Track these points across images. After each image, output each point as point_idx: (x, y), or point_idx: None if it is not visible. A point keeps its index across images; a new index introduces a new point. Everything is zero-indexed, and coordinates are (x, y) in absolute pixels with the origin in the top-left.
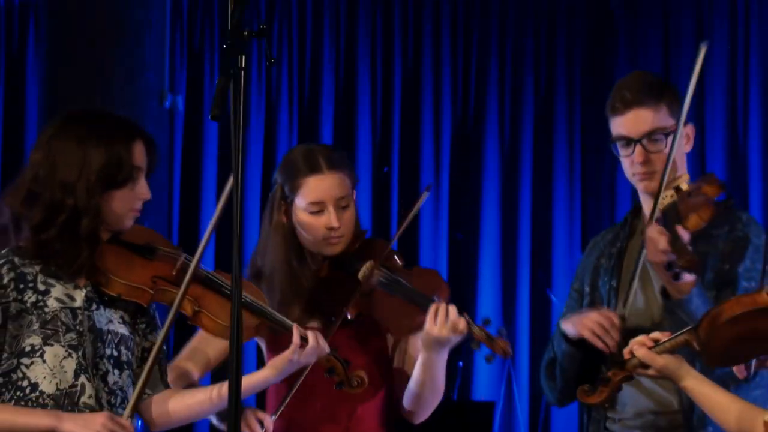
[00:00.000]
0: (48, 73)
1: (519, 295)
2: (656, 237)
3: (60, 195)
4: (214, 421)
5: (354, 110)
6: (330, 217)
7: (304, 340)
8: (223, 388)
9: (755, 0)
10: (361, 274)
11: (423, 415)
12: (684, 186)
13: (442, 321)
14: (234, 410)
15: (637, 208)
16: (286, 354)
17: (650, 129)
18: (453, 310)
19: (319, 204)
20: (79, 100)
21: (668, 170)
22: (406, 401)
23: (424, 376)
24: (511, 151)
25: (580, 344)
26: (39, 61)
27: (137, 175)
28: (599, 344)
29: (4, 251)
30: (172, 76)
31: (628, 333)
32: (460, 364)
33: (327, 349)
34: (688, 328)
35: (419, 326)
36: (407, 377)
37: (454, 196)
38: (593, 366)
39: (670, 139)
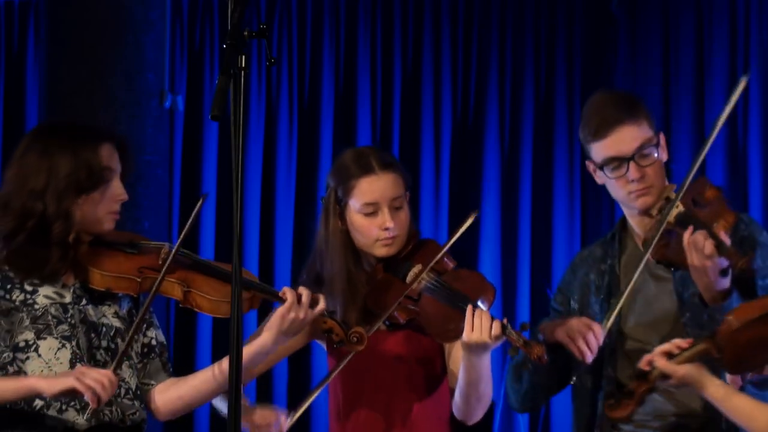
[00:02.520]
0: (48, 73)
1: (519, 295)
2: (702, 242)
3: (30, 202)
4: (218, 404)
5: (354, 110)
6: (384, 218)
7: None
8: (223, 364)
9: (755, 0)
10: (409, 278)
11: (472, 418)
12: (671, 195)
13: (477, 326)
14: (234, 407)
15: (624, 223)
16: (279, 310)
17: (639, 144)
18: (486, 314)
19: (373, 205)
20: (79, 100)
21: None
22: (455, 405)
23: (467, 380)
24: (511, 151)
25: (555, 350)
26: (39, 61)
27: (109, 177)
28: (575, 350)
29: None
30: (172, 76)
31: (635, 349)
32: None
33: (322, 305)
34: (706, 335)
35: (462, 332)
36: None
37: (454, 196)
38: (563, 373)
39: (659, 150)
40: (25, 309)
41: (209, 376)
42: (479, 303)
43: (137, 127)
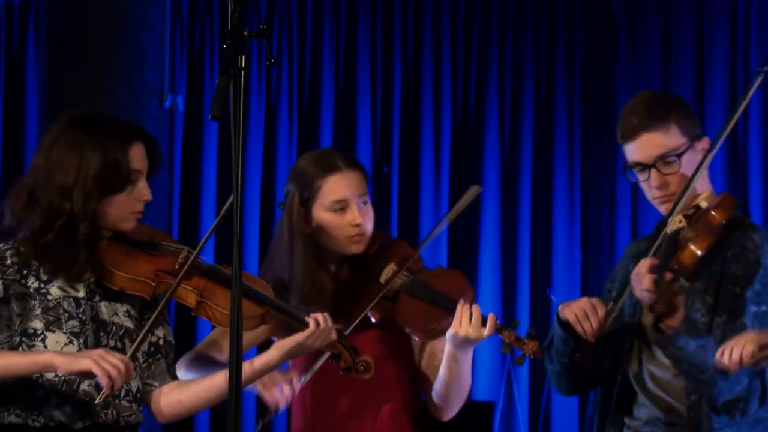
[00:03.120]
0: (48, 73)
1: (519, 295)
2: (642, 274)
3: (58, 200)
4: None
5: (354, 110)
6: (354, 214)
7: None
8: (226, 372)
9: (755, 0)
10: (383, 277)
11: (449, 413)
12: (704, 204)
13: (467, 322)
14: (234, 408)
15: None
16: (297, 336)
17: (661, 153)
18: (478, 310)
19: (342, 201)
20: (79, 100)
21: (685, 195)
22: (434, 401)
23: (449, 374)
24: (511, 151)
25: (570, 328)
26: (39, 61)
27: (136, 177)
28: (578, 328)
29: (10, 242)
30: (172, 76)
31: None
32: None
33: (334, 334)
34: None
35: (444, 330)
36: (433, 378)
37: (454, 196)
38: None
39: (685, 158)
40: (38, 297)
41: (211, 385)
42: (460, 301)
43: None
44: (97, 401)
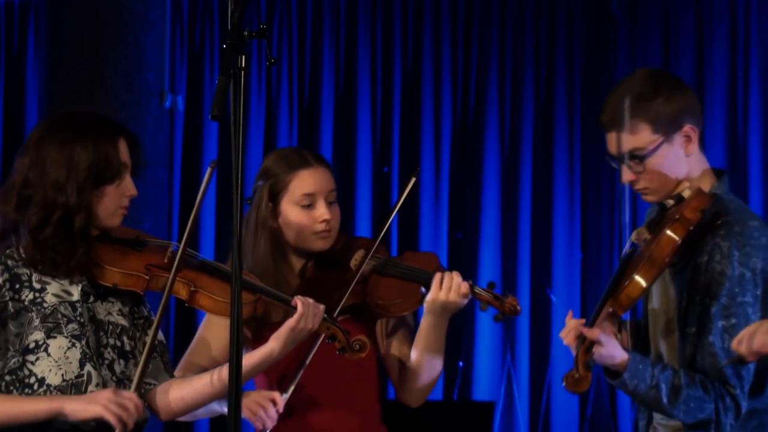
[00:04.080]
0: (48, 73)
1: (519, 295)
2: (566, 331)
3: (52, 194)
4: (216, 407)
5: (354, 110)
6: (321, 210)
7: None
8: (223, 371)
9: (755, 0)
10: (353, 263)
11: (421, 398)
12: (686, 193)
13: (448, 286)
14: (234, 404)
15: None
16: (289, 322)
17: (628, 150)
18: (457, 274)
19: (311, 196)
20: (79, 100)
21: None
22: (402, 386)
23: (424, 346)
24: (511, 151)
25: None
26: (39, 61)
27: (124, 171)
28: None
29: None
30: (172, 76)
31: (646, 334)
32: (460, 364)
33: (322, 312)
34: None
35: (420, 300)
36: (398, 361)
37: (454, 196)
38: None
39: (655, 156)
40: (34, 309)
41: (207, 383)
42: (437, 271)
43: (137, 127)
44: None
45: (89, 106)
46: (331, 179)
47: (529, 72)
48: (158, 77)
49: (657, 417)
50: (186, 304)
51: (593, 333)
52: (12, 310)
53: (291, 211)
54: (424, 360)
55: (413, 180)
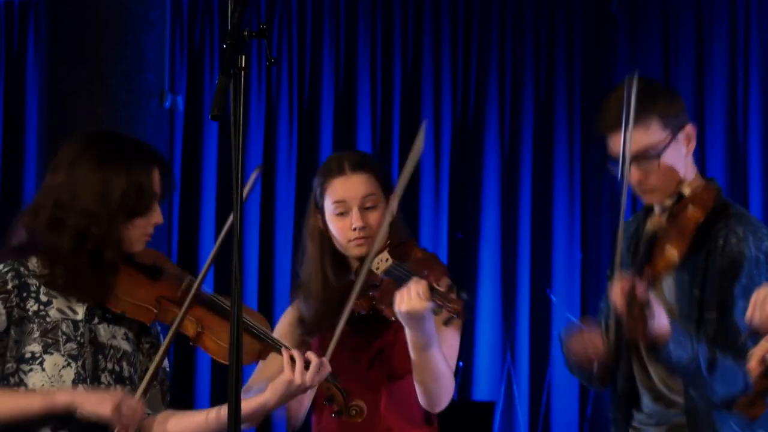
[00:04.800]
0: (48, 73)
1: (519, 295)
2: (616, 295)
3: (85, 222)
4: None
5: (354, 110)
6: (353, 217)
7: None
8: (221, 411)
9: (755, 0)
10: (374, 266)
11: (434, 405)
12: (687, 191)
13: (407, 294)
14: (234, 408)
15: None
16: (285, 375)
17: (640, 149)
18: (422, 282)
19: (342, 204)
20: (79, 100)
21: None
22: (418, 394)
23: (414, 358)
24: (511, 151)
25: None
26: (39, 61)
27: (154, 202)
28: (589, 370)
29: (9, 261)
30: (172, 76)
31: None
32: (461, 364)
33: (328, 369)
34: None
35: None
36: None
37: (454, 196)
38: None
39: (667, 153)
40: (36, 320)
41: (202, 420)
42: (416, 276)
43: (137, 127)
44: None
45: (89, 106)
46: (367, 185)
47: (529, 72)
48: (158, 77)
49: (639, 417)
50: (191, 344)
51: (644, 292)
52: (16, 316)
53: (329, 219)
54: (422, 377)
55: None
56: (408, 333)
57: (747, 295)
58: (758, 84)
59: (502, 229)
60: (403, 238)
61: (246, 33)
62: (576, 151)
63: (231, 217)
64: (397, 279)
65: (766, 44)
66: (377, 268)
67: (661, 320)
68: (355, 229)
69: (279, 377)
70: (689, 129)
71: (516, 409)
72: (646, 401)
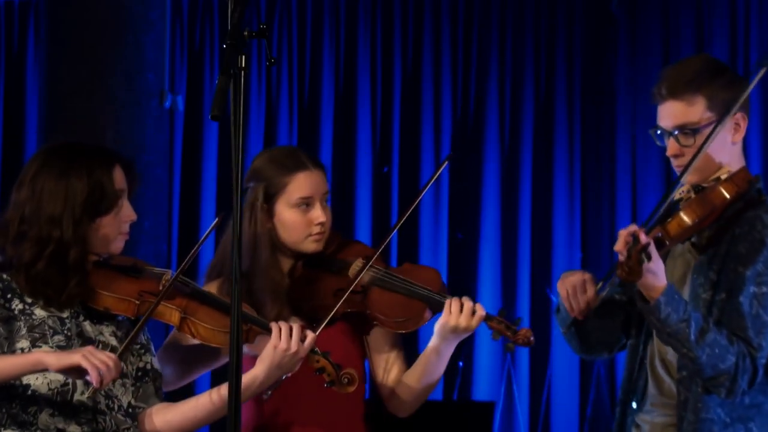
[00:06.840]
0: (48, 73)
1: (519, 295)
2: (620, 236)
3: (47, 229)
4: None
5: (354, 110)
6: (317, 212)
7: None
8: (209, 396)
9: (755, 0)
10: (351, 271)
11: (412, 409)
12: (724, 176)
13: (457, 311)
14: (234, 410)
15: None
16: (271, 342)
17: (680, 123)
18: (468, 301)
19: (308, 198)
20: (79, 100)
21: (692, 164)
22: (396, 397)
23: (428, 368)
24: (511, 151)
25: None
26: (39, 61)
27: (121, 199)
28: (566, 305)
29: None
30: (172, 76)
31: None
32: (461, 364)
33: (313, 336)
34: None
35: (423, 320)
36: (391, 377)
37: (454, 196)
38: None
39: (706, 131)
40: (23, 318)
41: (198, 404)
42: (446, 294)
43: (137, 127)
44: (86, 396)
45: (89, 106)
46: (326, 181)
47: (529, 72)
48: (158, 77)
49: (640, 413)
50: (177, 331)
51: (646, 238)
52: (3, 315)
53: (286, 213)
54: (423, 379)
55: (445, 163)
56: (437, 343)
57: (759, 283)
58: (758, 84)
59: (502, 229)
60: (344, 239)
61: (246, 33)
62: (576, 151)
63: (218, 216)
64: (403, 291)
65: (766, 44)
66: (356, 274)
67: (657, 273)
68: (319, 224)
69: (266, 347)
70: (739, 117)
71: (516, 409)
72: (649, 387)
